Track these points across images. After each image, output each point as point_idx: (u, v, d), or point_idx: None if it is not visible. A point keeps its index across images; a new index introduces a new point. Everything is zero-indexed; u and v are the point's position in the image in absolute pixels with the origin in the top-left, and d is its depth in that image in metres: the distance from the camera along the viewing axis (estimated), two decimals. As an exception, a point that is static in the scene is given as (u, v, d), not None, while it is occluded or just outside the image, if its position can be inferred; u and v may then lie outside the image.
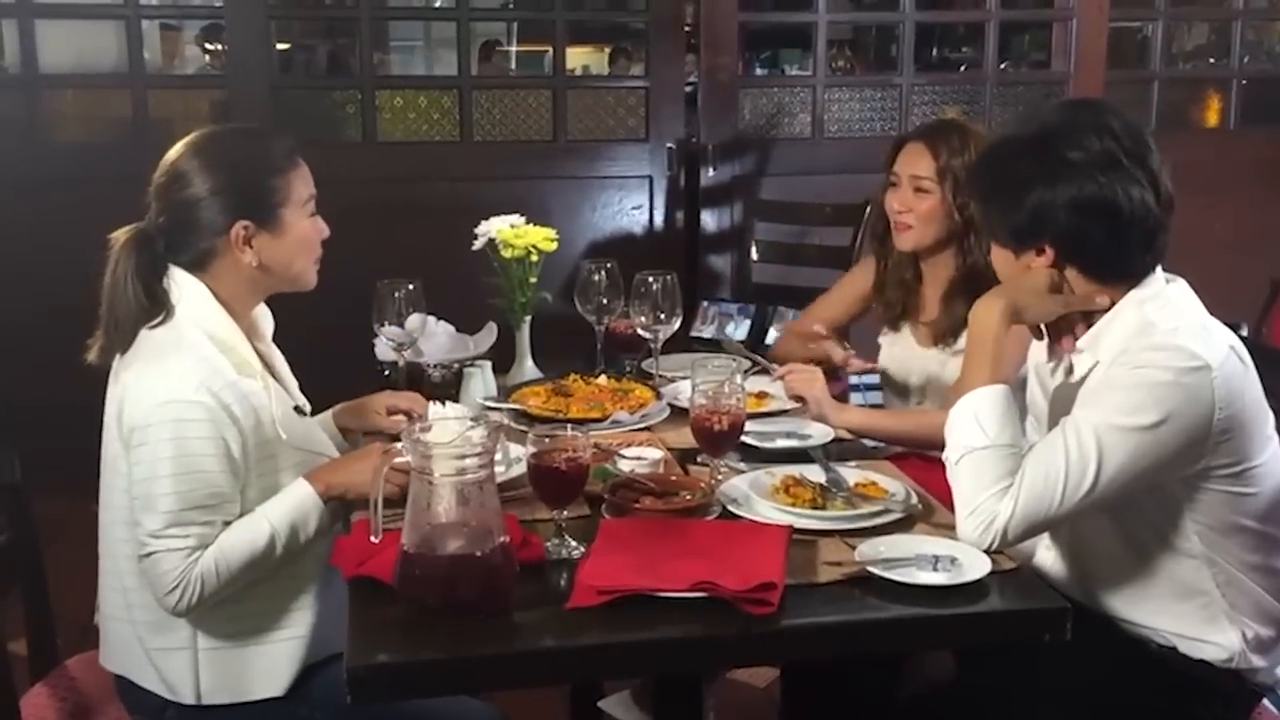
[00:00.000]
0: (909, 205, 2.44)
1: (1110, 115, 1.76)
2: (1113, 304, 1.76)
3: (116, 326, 1.84)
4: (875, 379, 2.69)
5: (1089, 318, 1.78)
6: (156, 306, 1.83)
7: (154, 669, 1.84)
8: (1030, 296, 1.79)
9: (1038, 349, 1.96)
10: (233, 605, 1.82)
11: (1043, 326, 1.83)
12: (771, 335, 3.18)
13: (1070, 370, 1.82)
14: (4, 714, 1.76)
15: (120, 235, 1.86)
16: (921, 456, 2.25)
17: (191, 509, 1.74)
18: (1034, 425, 1.96)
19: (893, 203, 2.47)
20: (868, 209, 3.34)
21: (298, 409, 1.98)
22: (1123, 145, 1.72)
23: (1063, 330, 1.82)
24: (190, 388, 1.74)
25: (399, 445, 1.57)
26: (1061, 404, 1.80)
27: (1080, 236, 1.73)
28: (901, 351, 2.57)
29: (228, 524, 1.78)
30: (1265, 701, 1.89)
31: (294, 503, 1.82)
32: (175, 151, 1.89)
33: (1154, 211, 1.72)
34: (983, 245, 2.38)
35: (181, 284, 1.86)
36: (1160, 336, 1.68)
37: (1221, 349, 1.68)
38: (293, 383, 2.06)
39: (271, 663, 1.85)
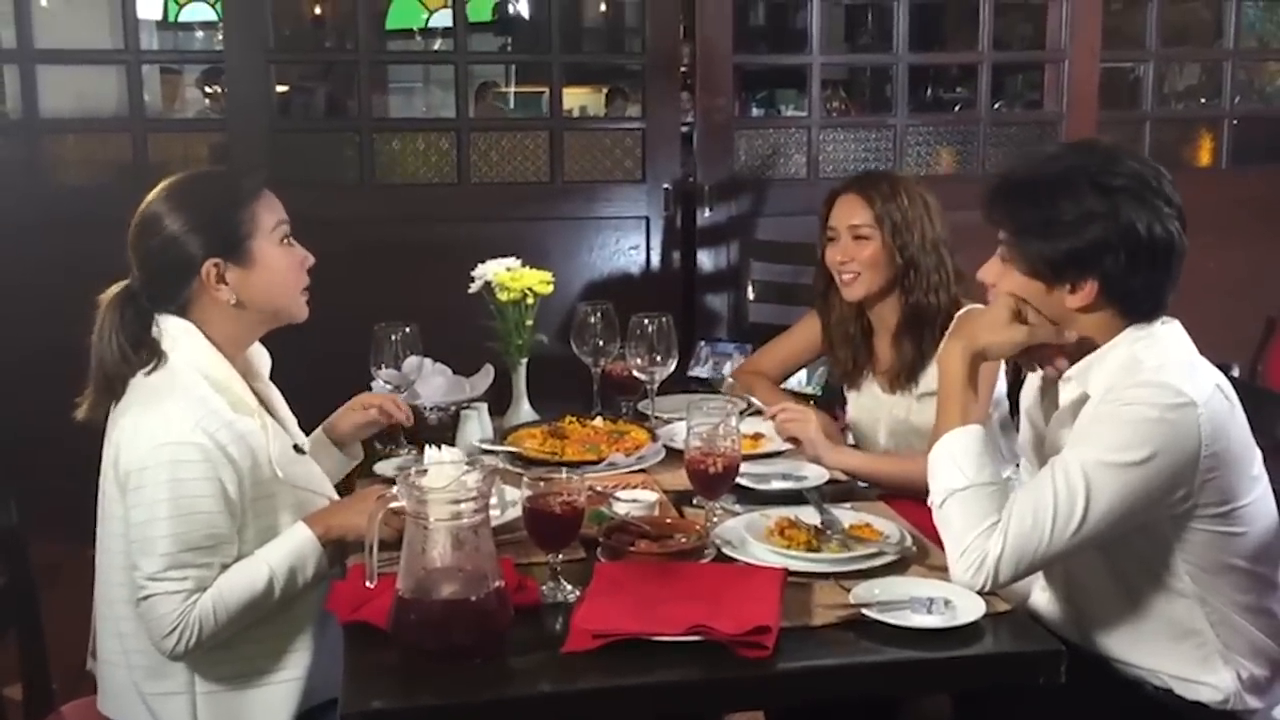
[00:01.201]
0: (851, 255, 2.48)
1: (1131, 155, 1.78)
2: (1083, 339, 1.77)
3: (106, 383, 1.85)
4: None
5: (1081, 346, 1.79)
6: (148, 355, 1.84)
7: (151, 714, 1.84)
8: (990, 333, 1.80)
9: (1027, 394, 1.97)
10: (229, 648, 1.81)
11: (1032, 360, 1.84)
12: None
13: (1056, 401, 1.83)
14: (-1, 760, 1.76)
15: (106, 295, 1.89)
16: (916, 497, 2.25)
17: (188, 550, 1.74)
18: (1028, 468, 1.97)
19: (835, 256, 2.51)
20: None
21: (296, 448, 1.98)
22: (1159, 184, 1.73)
23: (1042, 357, 1.82)
24: (186, 429, 1.75)
25: (395, 490, 1.58)
26: (1053, 444, 1.81)
27: (1130, 273, 1.72)
28: (869, 402, 2.60)
29: (225, 566, 1.78)
30: (1263, 743, 1.89)
31: (293, 546, 1.82)
32: (145, 200, 1.90)
33: (1183, 248, 1.74)
34: (923, 283, 2.43)
35: (172, 329, 1.87)
36: (1146, 374, 1.70)
37: (1207, 387, 1.69)
38: (291, 421, 2.06)
39: (269, 705, 1.85)
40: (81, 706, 2.02)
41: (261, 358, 2.06)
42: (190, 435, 1.75)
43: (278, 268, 1.92)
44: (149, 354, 1.84)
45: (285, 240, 1.94)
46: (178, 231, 1.86)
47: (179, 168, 2.04)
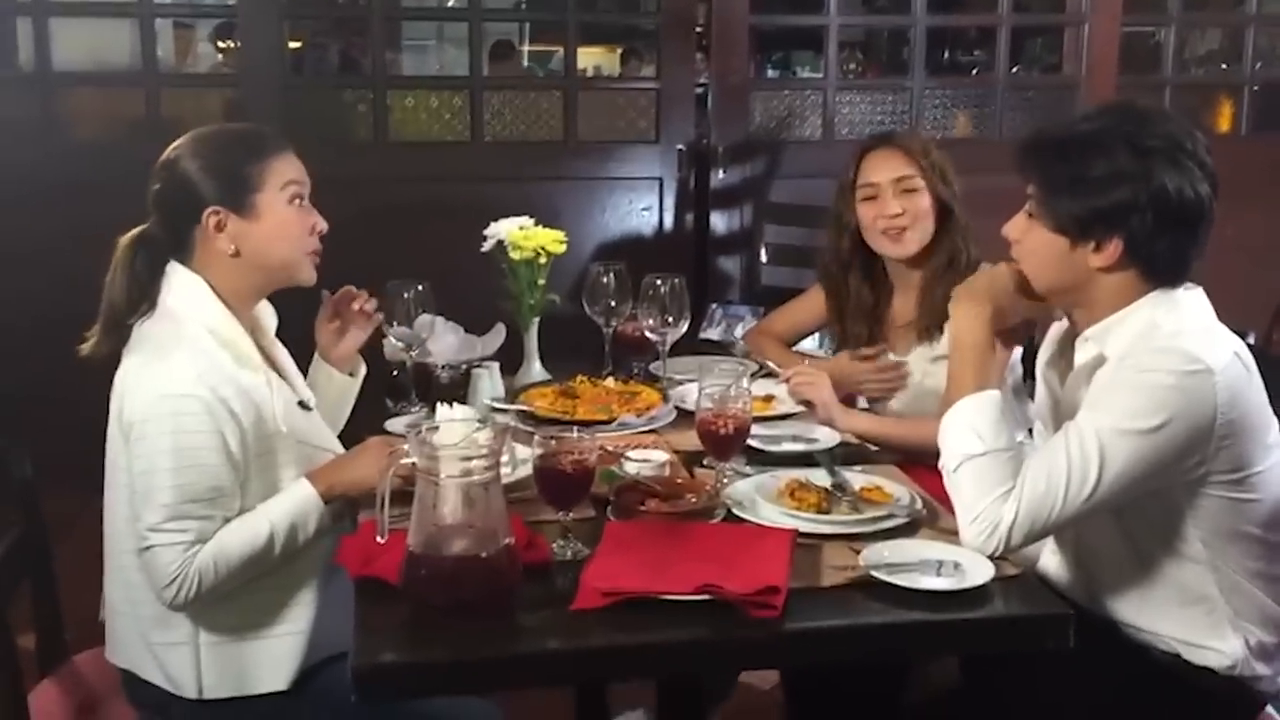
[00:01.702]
0: (903, 207, 2.43)
1: (1168, 117, 1.77)
2: (1104, 300, 1.77)
3: (112, 322, 1.87)
4: None
5: (1091, 314, 1.78)
6: (143, 300, 1.86)
7: (157, 664, 1.86)
8: (1007, 299, 1.81)
9: (1043, 355, 1.97)
10: (232, 600, 1.83)
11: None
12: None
13: (1072, 362, 1.82)
14: (12, 709, 1.77)
15: (124, 238, 1.90)
16: (926, 462, 2.25)
17: (190, 502, 1.75)
18: (1042, 431, 1.97)
19: (883, 211, 2.45)
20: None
21: (302, 404, 1.99)
22: (1193, 146, 1.72)
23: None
24: (188, 382, 1.76)
25: (405, 448, 1.58)
26: (1068, 407, 1.81)
27: (1156, 235, 1.70)
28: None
29: (228, 519, 1.79)
30: (1269, 709, 1.89)
31: (295, 503, 1.83)
32: (165, 153, 1.92)
33: (1212, 213, 1.73)
34: (962, 232, 2.41)
35: (180, 280, 1.88)
36: (1163, 340, 1.69)
37: (1225, 354, 1.68)
38: (298, 378, 2.07)
39: (273, 657, 1.87)
40: (94, 656, 2.04)
41: (268, 315, 2.06)
42: (192, 388, 1.76)
43: (281, 225, 1.91)
44: (144, 299, 1.86)
45: (296, 200, 1.93)
46: (188, 175, 1.88)
47: (192, 123, 2.03)
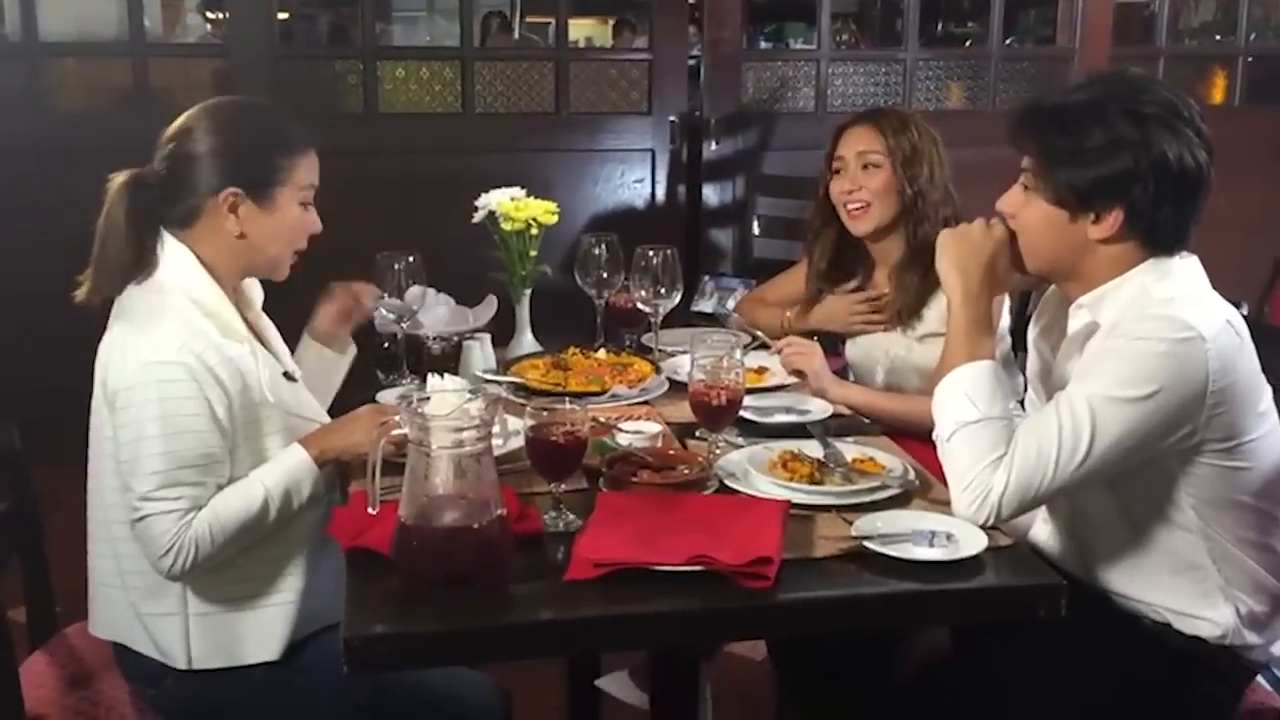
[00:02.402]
0: (860, 183, 2.45)
1: (1161, 84, 1.76)
2: (1098, 268, 1.76)
3: (107, 269, 1.85)
4: None
5: (1086, 284, 1.78)
6: (144, 258, 1.84)
7: (147, 634, 1.85)
8: (1002, 260, 1.81)
9: (1036, 323, 1.96)
10: (223, 570, 1.82)
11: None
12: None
13: (1065, 330, 1.82)
14: (3, 681, 1.76)
15: (118, 177, 1.87)
16: (918, 435, 2.25)
17: (181, 469, 1.74)
18: (1034, 400, 1.97)
19: (843, 186, 2.48)
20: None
21: (287, 375, 1.98)
22: (1189, 113, 1.71)
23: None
24: (172, 350, 1.75)
25: (397, 418, 1.57)
26: (1061, 375, 1.80)
27: (1157, 204, 1.69)
28: (866, 341, 2.59)
29: (219, 486, 1.79)
30: (1259, 679, 1.90)
31: (288, 468, 1.83)
32: (191, 110, 1.91)
33: (1210, 180, 1.72)
34: (931, 217, 2.41)
35: (168, 250, 1.86)
36: (1155, 307, 1.68)
37: (1216, 321, 1.67)
38: (283, 350, 2.06)
39: (263, 628, 1.86)
40: (83, 629, 2.03)
41: (254, 289, 2.06)
42: (176, 355, 1.75)
43: (290, 223, 1.93)
44: (145, 257, 1.84)
45: (305, 204, 1.95)
46: (212, 150, 1.86)
47: (180, 94, 2.03)
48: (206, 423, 1.77)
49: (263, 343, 1.98)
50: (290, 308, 2.17)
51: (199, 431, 1.76)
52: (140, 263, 1.85)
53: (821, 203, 2.58)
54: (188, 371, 1.75)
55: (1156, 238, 1.73)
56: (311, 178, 1.95)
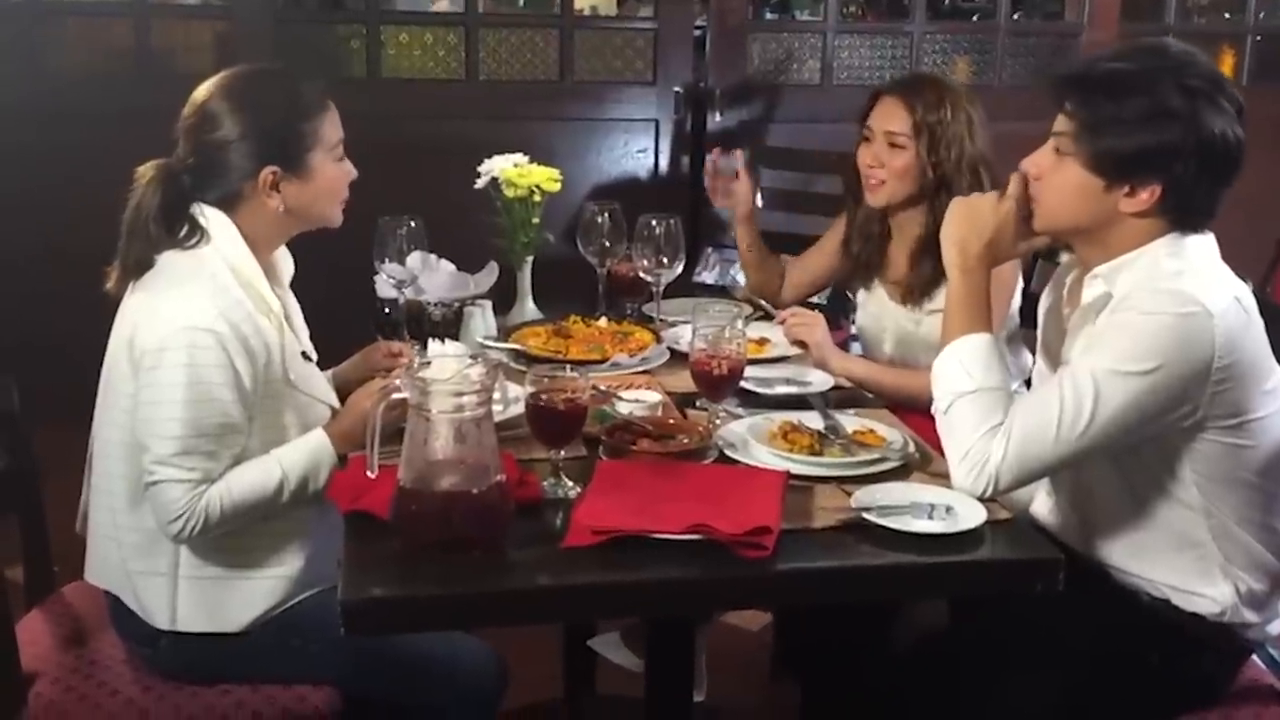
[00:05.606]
0: (881, 160, 2.41)
1: (1202, 55, 1.73)
2: (1118, 238, 1.74)
3: (135, 261, 1.84)
4: None
5: (1105, 252, 1.76)
6: (189, 231, 1.84)
7: (132, 591, 1.86)
8: (1005, 236, 1.79)
9: (1048, 294, 1.95)
10: (224, 539, 1.82)
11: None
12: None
13: (1079, 300, 1.81)
14: (1, 639, 1.77)
15: (146, 170, 1.87)
16: (919, 410, 2.24)
17: (199, 436, 1.74)
18: (1042, 371, 1.95)
19: (865, 158, 2.45)
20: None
21: (304, 354, 1.98)
22: (1228, 86, 1.69)
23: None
24: (209, 315, 1.75)
25: (397, 382, 1.57)
26: (1070, 342, 1.80)
27: (1197, 181, 1.67)
28: (876, 308, 2.57)
29: (234, 458, 1.79)
30: (1254, 657, 1.90)
31: (309, 451, 1.83)
32: (205, 91, 1.89)
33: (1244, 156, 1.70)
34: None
35: (210, 219, 1.86)
36: (1163, 281, 1.67)
37: (1225, 298, 1.66)
38: (303, 329, 2.05)
39: (246, 599, 1.86)
40: (80, 588, 2.04)
41: (286, 263, 2.05)
42: (212, 322, 1.75)
43: (331, 182, 1.94)
44: (190, 230, 1.84)
45: (340, 157, 1.96)
46: (243, 131, 1.86)
47: (181, 56, 2.01)
48: (231, 392, 1.76)
49: (287, 320, 1.97)
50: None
51: (223, 400, 1.76)
52: (186, 237, 1.84)
53: (852, 166, 2.54)
54: (220, 340, 1.75)
55: (1187, 214, 1.71)
56: (338, 132, 1.95)
